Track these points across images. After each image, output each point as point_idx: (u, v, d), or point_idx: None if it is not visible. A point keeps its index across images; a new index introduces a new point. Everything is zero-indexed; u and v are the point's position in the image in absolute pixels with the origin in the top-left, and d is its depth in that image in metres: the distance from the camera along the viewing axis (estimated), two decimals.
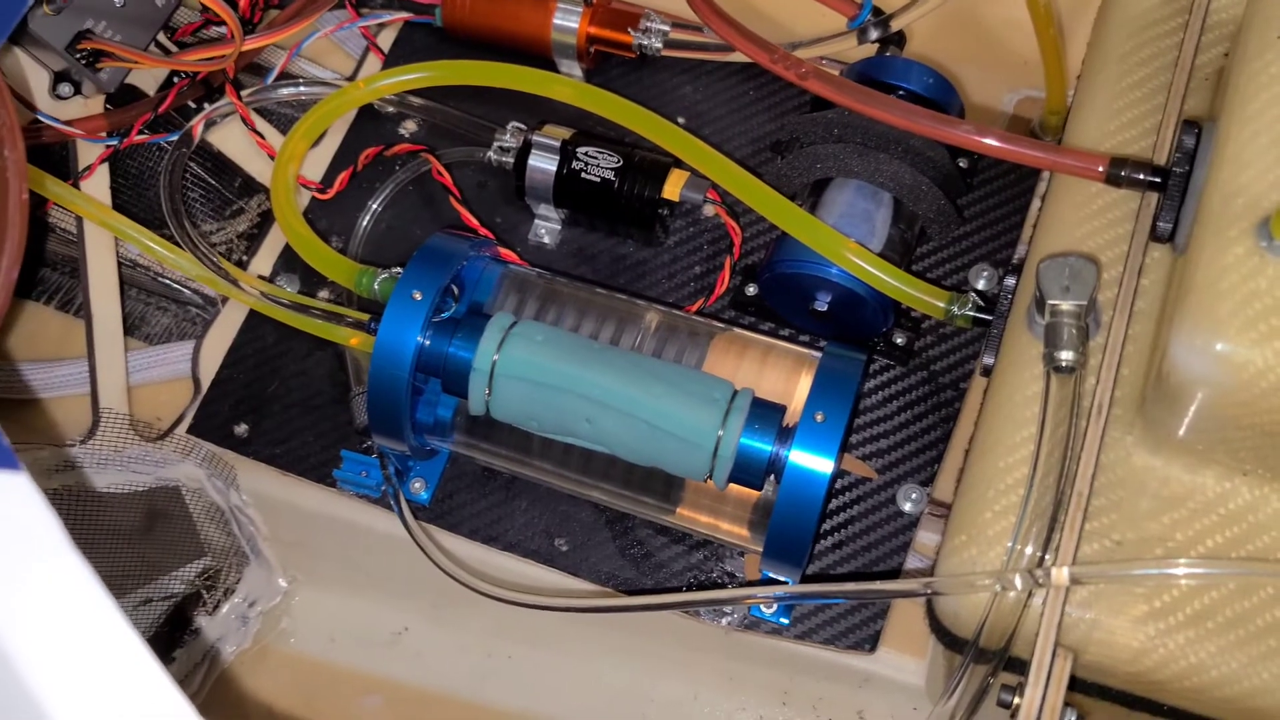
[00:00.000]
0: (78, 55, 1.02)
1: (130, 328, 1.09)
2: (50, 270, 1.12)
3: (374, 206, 1.07)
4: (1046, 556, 0.68)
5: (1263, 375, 0.63)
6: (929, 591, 0.73)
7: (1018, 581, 0.68)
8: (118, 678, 0.48)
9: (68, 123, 1.05)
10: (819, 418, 0.82)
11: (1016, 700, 0.70)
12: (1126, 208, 0.79)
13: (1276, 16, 0.69)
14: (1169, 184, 0.74)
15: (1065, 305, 0.72)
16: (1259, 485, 0.70)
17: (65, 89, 1.06)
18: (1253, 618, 0.68)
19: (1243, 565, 0.67)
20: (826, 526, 0.95)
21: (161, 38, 1.12)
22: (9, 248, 0.70)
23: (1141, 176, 0.76)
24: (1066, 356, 0.72)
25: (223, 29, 1.14)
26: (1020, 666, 0.72)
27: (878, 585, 0.84)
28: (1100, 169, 0.77)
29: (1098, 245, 0.78)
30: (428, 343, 0.87)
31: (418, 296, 0.87)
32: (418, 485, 0.98)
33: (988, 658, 0.72)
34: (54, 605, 0.49)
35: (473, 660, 1.08)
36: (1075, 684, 0.72)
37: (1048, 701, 0.66)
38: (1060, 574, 0.66)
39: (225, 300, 1.08)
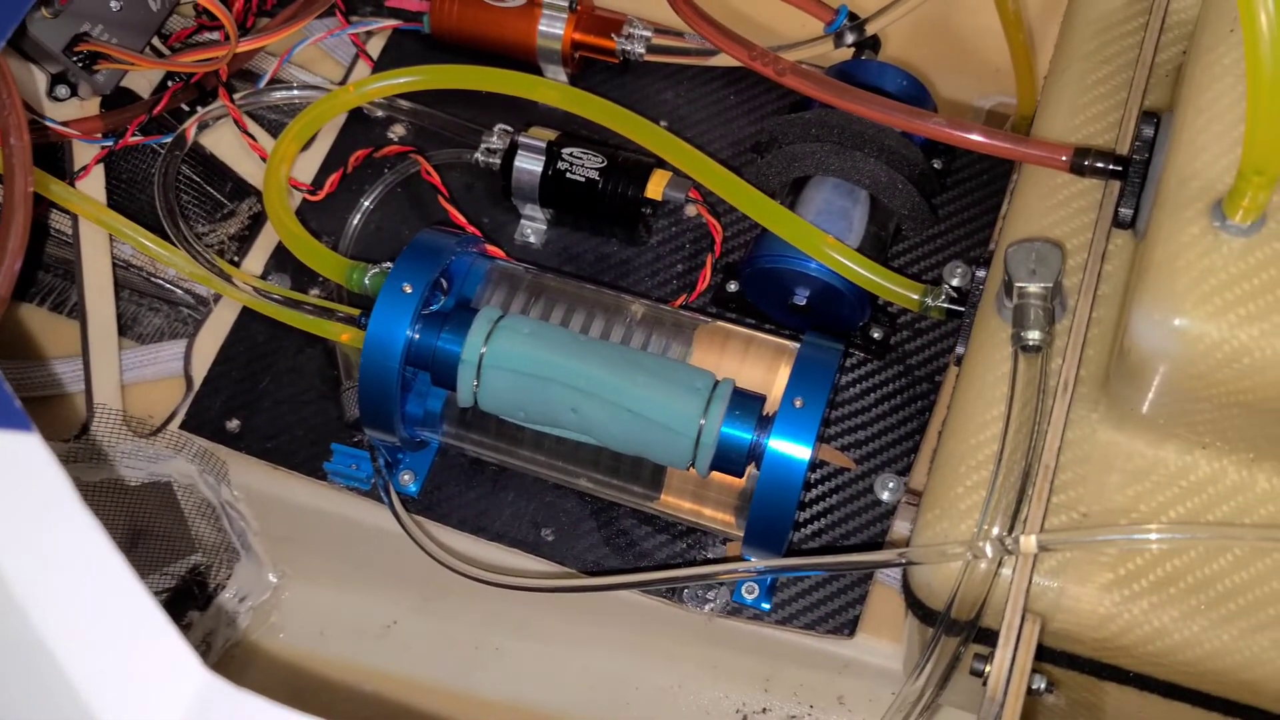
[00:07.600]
0: (75, 57, 1.05)
1: (122, 328, 1.10)
2: (43, 272, 1.13)
3: (365, 204, 1.10)
4: (1015, 526, 0.71)
5: (1218, 347, 0.66)
6: (903, 561, 0.75)
7: (988, 550, 0.70)
8: (127, 628, 0.50)
9: (64, 123, 1.07)
10: (798, 403, 0.85)
11: (988, 668, 0.73)
12: (1091, 198, 0.82)
13: (1229, 12, 0.72)
14: (1130, 172, 0.77)
15: (1032, 287, 0.75)
16: (1217, 458, 0.73)
17: (62, 90, 1.08)
18: (1213, 583, 0.70)
19: (1203, 530, 0.70)
20: (806, 515, 0.97)
21: (156, 43, 1.14)
22: (14, 236, 0.71)
23: (1104, 165, 0.79)
24: (1033, 336, 0.74)
25: (214, 35, 1.17)
26: (993, 639, 0.74)
27: (854, 557, 0.87)
28: (1064, 159, 0.80)
29: (1064, 233, 0.81)
30: (417, 336, 0.89)
31: (408, 289, 0.89)
32: (407, 477, 1.00)
33: (959, 629, 0.74)
34: (65, 559, 0.51)
35: (461, 652, 1.09)
36: (1045, 654, 0.75)
37: (1017, 664, 0.69)
38: (1029, 541, 0.69)
39: (217, 299, 1.10)
